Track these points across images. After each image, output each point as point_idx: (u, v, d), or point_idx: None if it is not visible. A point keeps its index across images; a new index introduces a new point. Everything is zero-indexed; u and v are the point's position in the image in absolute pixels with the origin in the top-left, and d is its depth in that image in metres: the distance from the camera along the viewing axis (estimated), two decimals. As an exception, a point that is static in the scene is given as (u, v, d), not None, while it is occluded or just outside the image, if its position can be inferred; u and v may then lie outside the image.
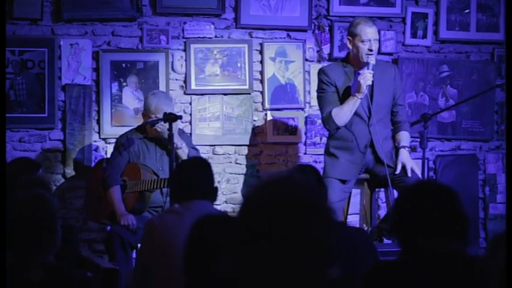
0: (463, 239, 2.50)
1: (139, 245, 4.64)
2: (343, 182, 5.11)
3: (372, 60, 5.04)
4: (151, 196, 5.23)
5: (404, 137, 5.26)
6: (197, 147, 5.75)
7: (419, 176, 5.14)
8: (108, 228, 5.33)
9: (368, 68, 5.02)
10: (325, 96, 5.18)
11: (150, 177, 5.23)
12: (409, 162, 5.13)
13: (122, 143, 5.36)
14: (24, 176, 4.04)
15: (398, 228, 2.55)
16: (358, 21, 5.17)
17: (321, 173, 4.60)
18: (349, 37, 5.16)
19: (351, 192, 5.32)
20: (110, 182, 5.26)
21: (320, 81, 5.22)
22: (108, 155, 5.69)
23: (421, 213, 2.51)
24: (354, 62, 5.16)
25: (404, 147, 5.19)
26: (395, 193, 5.47)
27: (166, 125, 4.90)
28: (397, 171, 5.09)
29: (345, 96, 5.10)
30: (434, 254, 2.46)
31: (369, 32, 5.07)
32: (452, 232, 2.49)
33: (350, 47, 5.15)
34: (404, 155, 5.16)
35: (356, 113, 5.09)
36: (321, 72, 5.26)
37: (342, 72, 5.16)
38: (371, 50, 5.05)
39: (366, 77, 4.98)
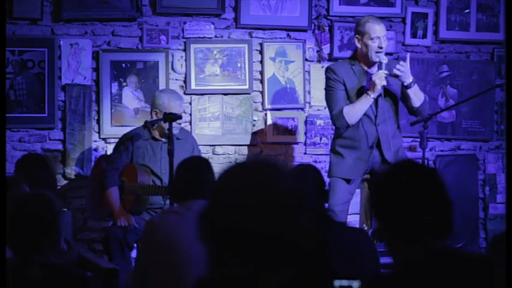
0: (446, 226, 2.36)
1: (138, 245, 4.64)
2: (348, 181, 5.09)
3: (384, 59, 5.01)
4: (148, 198, 5.22)
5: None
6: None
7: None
8: (110, 224, 5.32)
9: (381, 68, 4.99)
10: (334, 93, 5.13)
11: (148, 179, 5.22)
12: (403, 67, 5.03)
13: (124, 143, 5.34)
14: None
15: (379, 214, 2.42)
16: (366, 19, 5.13)
17: (322, 173, 4.59)
18: (357, 36, 5.09)
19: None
20: (107, 183, 5.25)
21: (328, 78, 5.18)
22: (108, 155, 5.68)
23: (402, 196, 2.35)
24: (362, 60, 5.12)
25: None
26: None
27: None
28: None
29: (353, 94, 5.08)
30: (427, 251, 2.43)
31: (377, 29, 5.03)
32: (436, 220, 2.34)
33: (359, 45, 5.09)
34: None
35: (364, 113, 5.07)
36: (328, 70, 5.22)
37: (350, 70, 5.13)
38: (381, 48, 5.02)
39: (381, 77, 4.95)
